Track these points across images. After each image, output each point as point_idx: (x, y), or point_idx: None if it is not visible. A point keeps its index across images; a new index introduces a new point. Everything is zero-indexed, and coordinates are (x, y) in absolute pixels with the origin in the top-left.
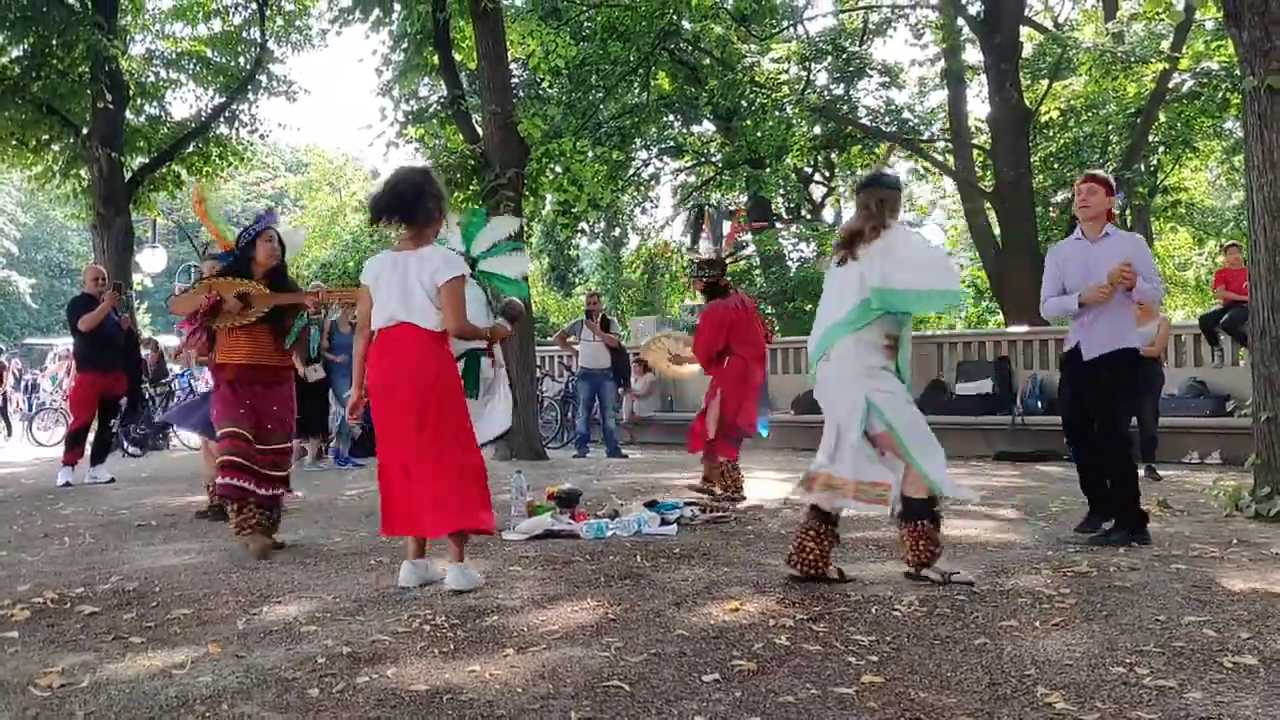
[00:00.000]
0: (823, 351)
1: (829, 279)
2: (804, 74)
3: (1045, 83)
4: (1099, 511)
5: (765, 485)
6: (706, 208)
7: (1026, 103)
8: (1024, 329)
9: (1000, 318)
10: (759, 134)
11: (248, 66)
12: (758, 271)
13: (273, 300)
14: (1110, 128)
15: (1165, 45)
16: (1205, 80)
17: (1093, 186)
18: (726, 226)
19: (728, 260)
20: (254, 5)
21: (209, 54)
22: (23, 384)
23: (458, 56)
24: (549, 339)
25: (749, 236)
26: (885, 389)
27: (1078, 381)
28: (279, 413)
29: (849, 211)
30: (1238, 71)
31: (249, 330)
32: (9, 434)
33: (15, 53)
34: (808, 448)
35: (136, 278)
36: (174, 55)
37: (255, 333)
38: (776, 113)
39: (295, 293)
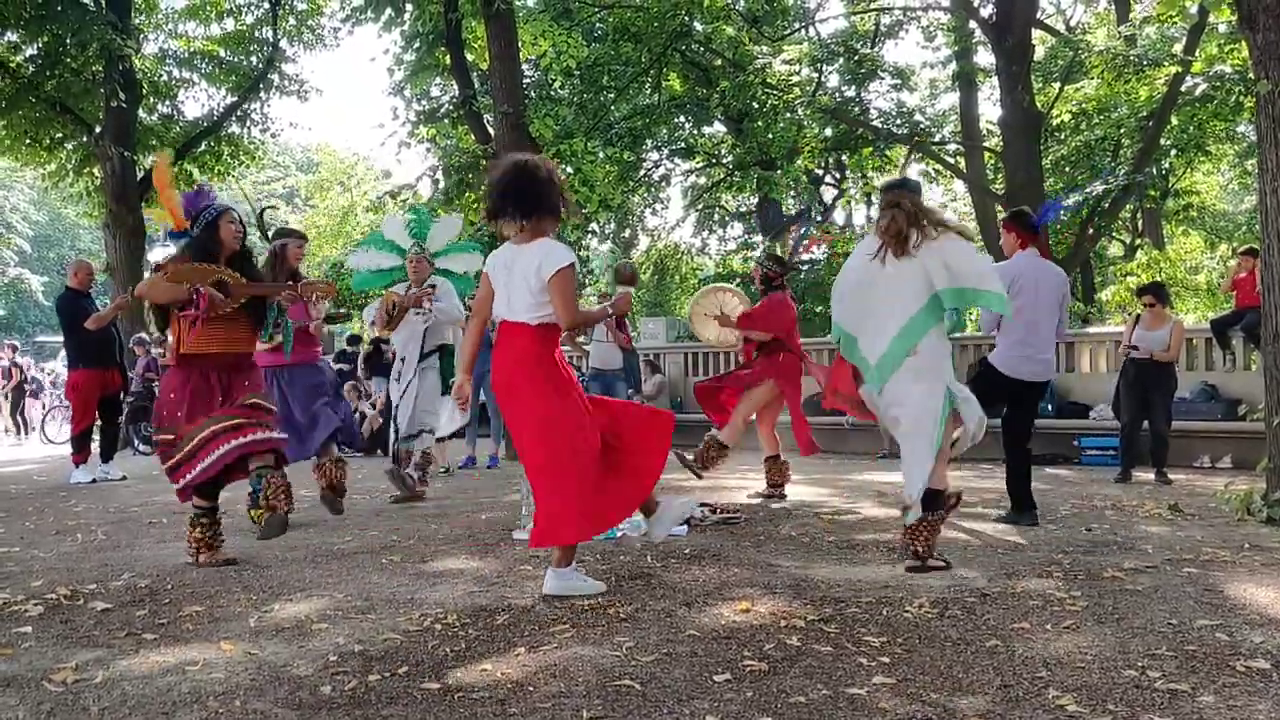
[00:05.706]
0: (912, 345)
1: (873, 275)
2: (815, 76)
3: (1057, 86)
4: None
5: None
6: (801, 219)
7: (1038, 106)
8: None
9: None
10: (770, 135)
11: (260, 66)
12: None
13: (250, 290)
14: (1122, 131)
15: (1178, 48)
16: (1218, 83)
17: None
18: (808, 238)
19: (794, 265)
20: (266, 5)
21: (221, 53)
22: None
23: (469, 57)
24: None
25: (823, 249)
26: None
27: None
28: (250, 386)
29: (859, 213)
30: (1251, 75)
31: (226, 320)
32: (20, 432)
33: (29, 51)
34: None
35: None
36: (187, 54)
37: (232, 322)
38: (788, 114)
39: (269, 285)
